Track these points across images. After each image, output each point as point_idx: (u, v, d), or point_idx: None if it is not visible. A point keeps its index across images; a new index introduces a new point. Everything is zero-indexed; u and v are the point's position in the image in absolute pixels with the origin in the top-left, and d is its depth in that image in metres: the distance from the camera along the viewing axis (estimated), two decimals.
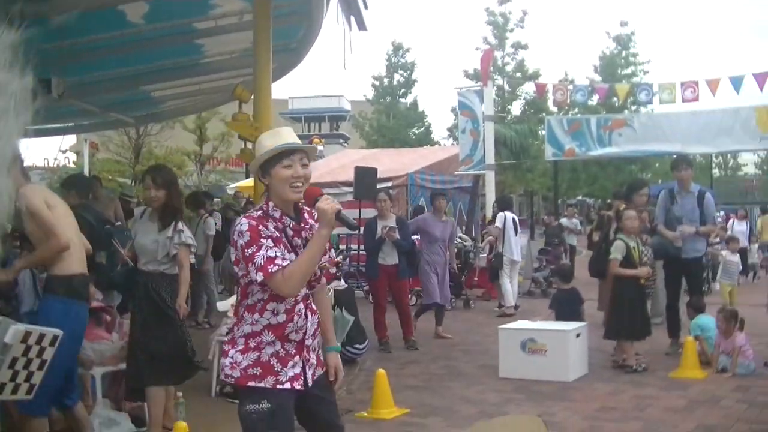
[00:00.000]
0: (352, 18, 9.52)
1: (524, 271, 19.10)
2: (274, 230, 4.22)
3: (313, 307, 4.48)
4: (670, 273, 11.47)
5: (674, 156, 16.01)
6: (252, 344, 4.28)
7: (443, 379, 10.06)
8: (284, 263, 4.12)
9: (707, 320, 10.74)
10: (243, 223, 4.20)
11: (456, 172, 21.58)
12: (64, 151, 31.37)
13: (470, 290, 17.76)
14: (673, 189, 11.48)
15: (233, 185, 29.74)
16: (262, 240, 4.14)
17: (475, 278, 17.99)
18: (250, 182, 18.92)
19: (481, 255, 17.89)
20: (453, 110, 40.59)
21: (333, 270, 4.55)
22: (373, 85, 50.11)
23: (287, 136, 4.35)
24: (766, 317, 11.09)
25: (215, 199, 19.27)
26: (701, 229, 11.16)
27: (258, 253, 4.11)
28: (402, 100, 50.34)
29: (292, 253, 4.25)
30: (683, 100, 18.37)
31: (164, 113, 19.68)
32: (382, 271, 11.98)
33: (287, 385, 4.27)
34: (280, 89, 45.97)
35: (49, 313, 6.36)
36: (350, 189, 17.44)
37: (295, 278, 4.12)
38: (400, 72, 49.67)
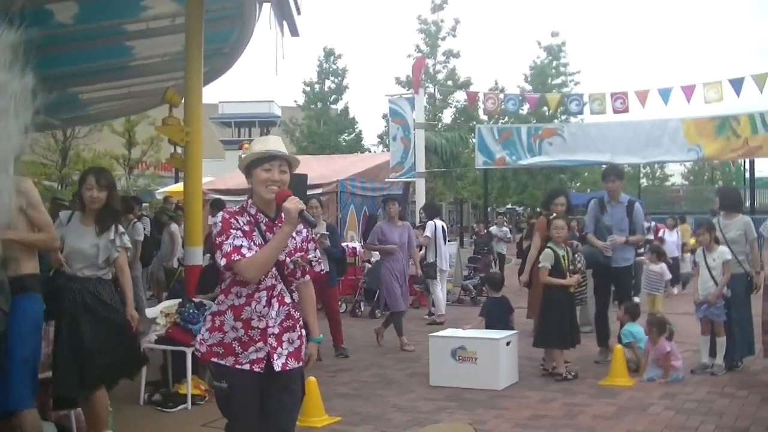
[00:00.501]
0: (285, 23, 9.48)
1: (454, 279, 19.15)
2: (245, 224, 4.77)
3: (285, 299, 4.88)
4: (600, 282, 11.58)
5: (603, 165, 16.20)
6: (217, 323, 4.82)
7: (374, 387, 10.02)
8: (249, 253, 4.63)
9: (638, 328, 10.87)
10: (219, 216, 4.75)
11: (386, 180, 21.59)
12: None
13: None
14: (603, 198, 11.60)
15: (162, 190, 29.42)
16: (231, 231, 4.68)
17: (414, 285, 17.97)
18: (179, 187, 18.70)
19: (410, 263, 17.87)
20: (384, 117, 40.66)
21: (318, 269, 5.21)
22: (304, 91, 50.00)
23: (273, 144, 4.88)
24: (695, 326, 11.21)
25: (143, 204, 19.06)
26: (630, 239, 11.30)
27: (226, 242, 4.65)
28: (333, 106, 50.24)
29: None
30: (614, 111, 18.58)
31: (93, 116, 19.40)
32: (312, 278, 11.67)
33: (246, 367, 4.76)
34: (211, 93, 45.84)
35: (34, 311, 6.41)
36: None
37: (254, 266, 4.63)
38: (332, 78, 49.60)
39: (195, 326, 9.01)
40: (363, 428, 8.07)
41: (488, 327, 10.98)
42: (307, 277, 5.13)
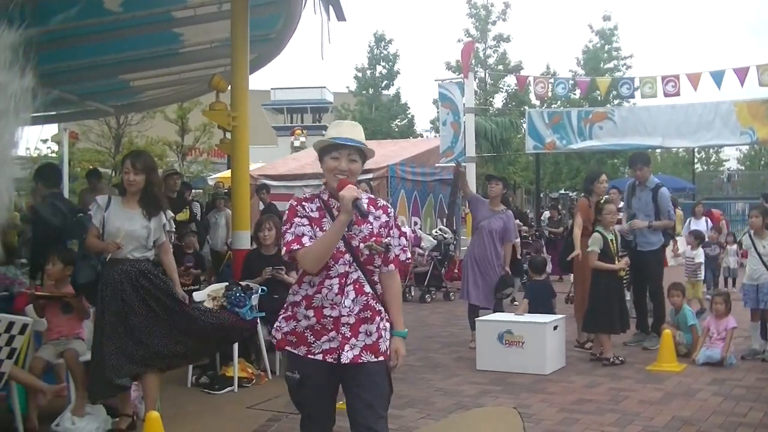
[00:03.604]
0: (331, 8, 9.51)
1: None
2: (314, 210, 4.64)
3: (364, 288, 4.63)
4: (632, 265, 11.40)
5: (658, 150, 16.07)
6: (291, 312, 4.68)
7: (420, 371, 10.03)
8: (309, 243, 4.51)
9: (691, 309, 10.92)
10: (289, 203, 4.70)
11: (437, 164, 21.52)
12: (45, 141, 31.14)
13: (450, 282, 17.75)
14: (635, 182, 11.71)
15: (214, 176, 29.65)
16: (295, 219, 4.58)
17: (456, 271, 17.95)
18: (228, 173, 18.89)
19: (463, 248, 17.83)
20: (435, 102, 40.54)
21: (404, 257, 5.14)
22: (356, 77, 49.93)
23: (345, 131, 4.69)
24: (743, 312, 11.07)
25: (194, 190, 19.18)
26: (654, 224, 11.30)
27: (288, 231, 4.56)
28: (384, 92, 50.15)
29: None
30: (665, 95, 18.31)
31: (144, 103, 19.56)
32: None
33: (318, 357, 4.57)
34: (263, 80, 45.91)
35: None
36: None
37: (311, 256, 4.48)
38: (383, 64, 49.44)
39: (241, 309, 9.08)
40: (407, 411, 8.07)
41: (531, 310, 10.93)
42: (392, 266, 4.84)
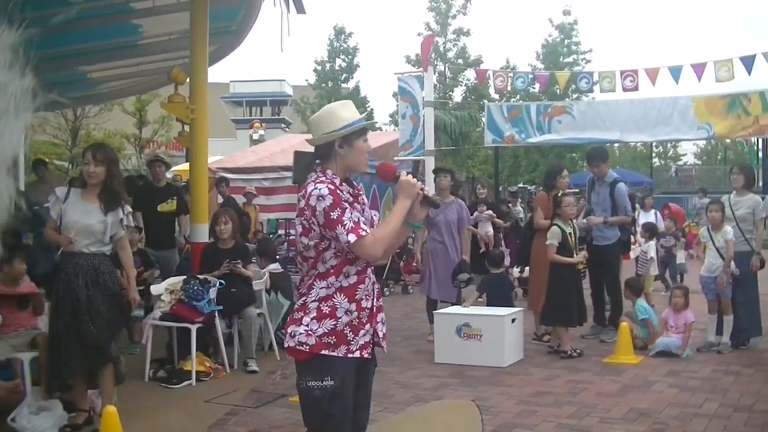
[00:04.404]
0: (290, 0, 9.52)
1: None
2: (348, 195, 4.30)
3: (372, 276, 4.43)
4: (589, 259, 11.44)
5: (616, 144, 16.20)
6: (325, 309, 4.24)
7: (379, 364, 10.00)
8: (365, 227, 4.20)
9: (645, 304, 11.00)
10: (321, 188, 4.17)
11: (395, 158, 21.56)
12: None
13: (408, 276, 17.78)
14: (594, 177, 11.78)
15: (172, 169, 29.48)
16: (343, 203, 4.19)
17: (414, 264, 17.96)
18: (187, 166, 18.82)
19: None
20: (394, 95, 40.57)
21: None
22: (315, 70, 49.81)
23: (356, 111, 4.44)
24: (700, 304, 11.16)
25: None
26: (610, 219, 11.39)
27: (344, 216, 4.14)
28: (344, 85, 50.05)
29: None
30: (623, 89, 18.49)
31: (102, 95, 19.43)
32: None
33: (357, 354, 4.29)
34: (222, 72, 45.72)
35: None
36: (290, 174, 17.36)
37: (383, 243, 4.21)
38: (343, 57, 49.37)
39: (199, 303, 9.05)
40: None
41: (489, 304, 10.96)
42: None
